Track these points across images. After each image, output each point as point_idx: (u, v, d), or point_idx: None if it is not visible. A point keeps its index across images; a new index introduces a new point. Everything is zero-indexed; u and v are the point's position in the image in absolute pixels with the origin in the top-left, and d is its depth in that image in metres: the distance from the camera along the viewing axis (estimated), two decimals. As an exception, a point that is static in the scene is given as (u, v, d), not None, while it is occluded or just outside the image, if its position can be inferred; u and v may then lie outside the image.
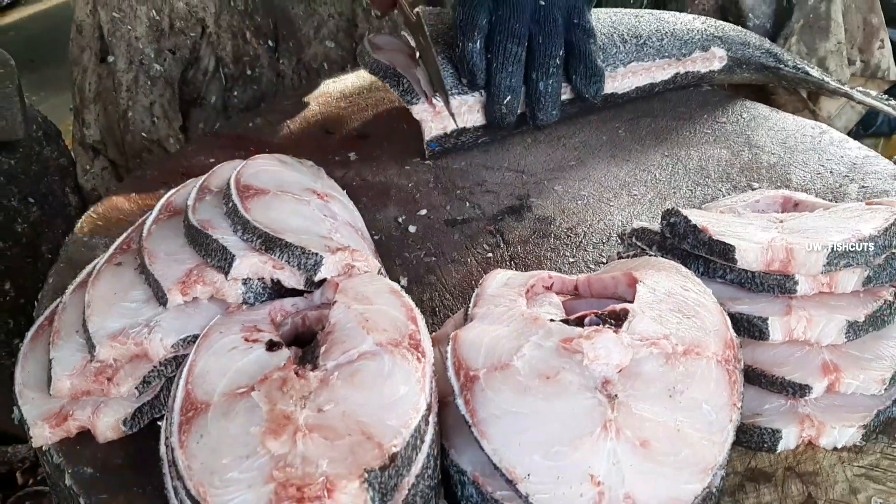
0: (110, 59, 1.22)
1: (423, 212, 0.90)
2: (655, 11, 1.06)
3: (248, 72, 1.33)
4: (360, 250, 0.70)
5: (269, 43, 1.35)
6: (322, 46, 1.38)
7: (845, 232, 0.66)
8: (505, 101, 0.89)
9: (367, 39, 1.01)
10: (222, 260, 0.68)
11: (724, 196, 0.90)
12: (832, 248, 0.64)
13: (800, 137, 0.99)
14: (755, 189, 0.91)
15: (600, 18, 1.02)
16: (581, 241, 0.84)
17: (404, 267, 0.82)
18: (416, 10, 1.00)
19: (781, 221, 0.71)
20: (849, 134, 1.28)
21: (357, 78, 1.18)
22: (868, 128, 1.58)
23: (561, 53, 0.89)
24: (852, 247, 0.65)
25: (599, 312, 0.63)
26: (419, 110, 0.92)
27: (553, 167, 0.97)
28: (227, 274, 0.67)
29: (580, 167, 0.96)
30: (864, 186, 0.90)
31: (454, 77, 0.91)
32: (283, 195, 0.76)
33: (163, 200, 0.79)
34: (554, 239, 0.85)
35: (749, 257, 0.66)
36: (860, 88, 1.17)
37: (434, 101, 0.91)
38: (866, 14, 1.25)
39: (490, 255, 0.83)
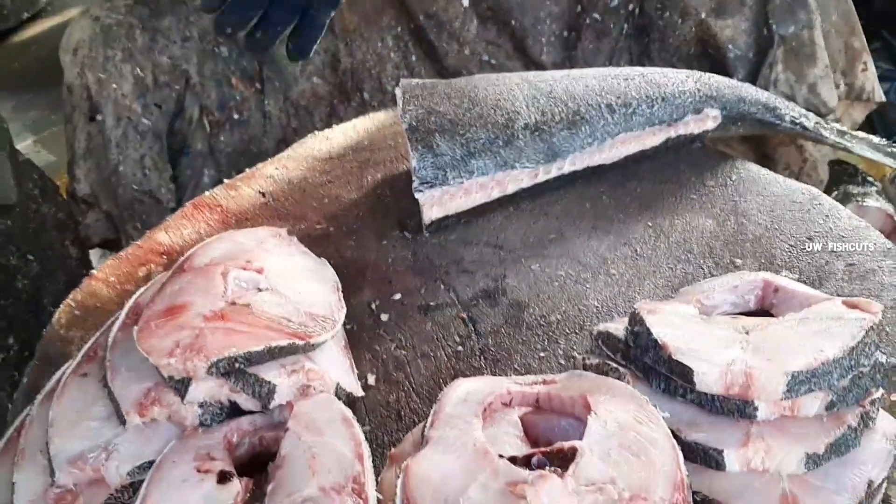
0: (98, 117, 1.23)
1: (398, 296, 0.89)
2: (646, 72, 1.03)
3: (235, 115, 1.33)
4: (316, 368, 0.70)
5: (256, 86, 1.35)
6: (309, 83, 1.38)
7: (808, 354, 0.64)
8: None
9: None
10: (178, 382, 0.68)
11: (704, 276, 0.88)
12: (792, 375, 0.62)
13: (788, 205, 0.96)
14: (738, 265, 0.89)
15: (589, 85, 0.99)
16: (553, 332, 0.83)
17: (374, 362, 0.82)
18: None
19: (748, 333, 0.69)
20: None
21: (344, 136, 1.17)
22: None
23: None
24: (814, 372, 0.63)
25: (547, 450, 0.61)
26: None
27: (532, 241, 0.95)
28: (182, 397, 0.68)
29: (560, 241, 0.95)
30: (850, 264, 0.87)
31: (434, 167, 0.90)
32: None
33: (130, 302, 0.80)
34: (526, 329, 0.83)
35: (708, 381, 0.64)
36: (857, 134, 1.13)
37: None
38: (847, 38, 1.22)
39: (461, 348, 0.82)
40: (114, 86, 1.20)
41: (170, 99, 1.24)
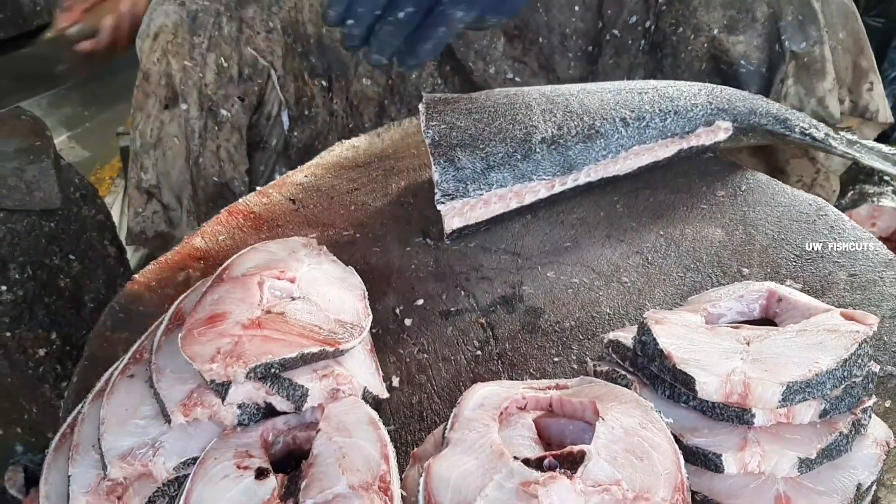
0: (183, 106, 1.27)
1: (420, 302, 0.95)
2: (659, 85, 1.07)
3: (306, 112, 1.39)
4: (345, 373, 0.75)
5: (323, 83, 1.40)
6: (360, 84, 1.42)
7: (803, 365, 0.68)
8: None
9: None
10: (219, 385, 0.74)
11: (712, 284, 0.92)
12: (788, 385, 0.67)
13: (795, 215, 1.00)
14: (744, 274, 0.93)
15: (604, 100, 1.03)
16: (567, 338, 0.88)
17: (398, 365, 0.87)
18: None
19: (748, 343, 0.74)
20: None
21: (370, 144, 1.22)
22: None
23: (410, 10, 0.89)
24: (808, 383, 0.67)
25: (558, 453, 0.67)
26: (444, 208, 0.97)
27: (548, 249, 1.00)
28: (223, 399, 0.74)
29: (575, 249, 0.99)
30: (852, 274, 0.91)
31: (455, 180, 0.95)
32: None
33: (173, 308, 0.86)
34: (541, 335, 0.88)
35: (709, 389, 0.69)
36: (867, 143, 1.17)
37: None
38: (855, 56, 1.25)
39: (479, 352, 0.87)
40: (199, 74, 1.24)
41: (252, 93, 1.27)
